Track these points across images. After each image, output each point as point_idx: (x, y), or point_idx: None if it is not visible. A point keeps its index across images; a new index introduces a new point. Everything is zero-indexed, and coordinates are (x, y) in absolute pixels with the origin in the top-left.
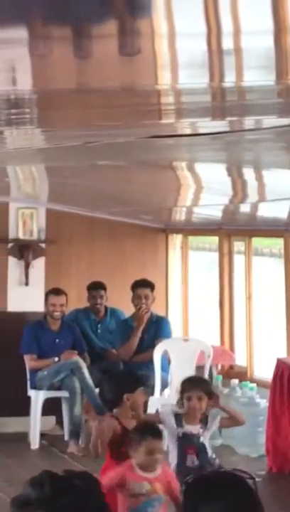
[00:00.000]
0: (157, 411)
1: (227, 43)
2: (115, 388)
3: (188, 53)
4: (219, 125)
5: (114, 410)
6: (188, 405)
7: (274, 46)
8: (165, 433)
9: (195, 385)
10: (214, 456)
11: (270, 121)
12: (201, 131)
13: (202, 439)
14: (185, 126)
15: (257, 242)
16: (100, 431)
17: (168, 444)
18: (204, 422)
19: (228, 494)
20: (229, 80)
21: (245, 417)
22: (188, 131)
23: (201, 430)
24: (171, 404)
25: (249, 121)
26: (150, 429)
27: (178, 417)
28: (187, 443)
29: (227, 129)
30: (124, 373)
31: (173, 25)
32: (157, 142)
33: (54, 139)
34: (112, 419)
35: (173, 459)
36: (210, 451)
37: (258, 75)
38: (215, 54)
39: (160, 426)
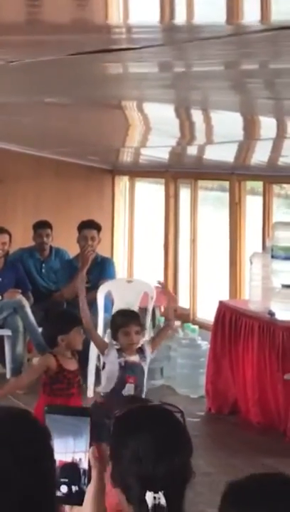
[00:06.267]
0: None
1: None
2: (50, 330)
3: None
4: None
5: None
6: (126, 339)
7: None
8: (106, 363)
9: (132, 319)
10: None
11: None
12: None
13: (144, 368)
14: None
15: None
16: (31, 367)
17: (104, 374)
18: (141, 352)
19: (156, 426)
20: None
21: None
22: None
23: (142, 360)
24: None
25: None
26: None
27: (118, 351)
28: (129, 372)
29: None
30: (59, 314)
31: None
32: (102, 63)
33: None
34: (50, 355)
35: (106, 387)
36: (145, 387)
37: None
38: None
39: (102, 357)
